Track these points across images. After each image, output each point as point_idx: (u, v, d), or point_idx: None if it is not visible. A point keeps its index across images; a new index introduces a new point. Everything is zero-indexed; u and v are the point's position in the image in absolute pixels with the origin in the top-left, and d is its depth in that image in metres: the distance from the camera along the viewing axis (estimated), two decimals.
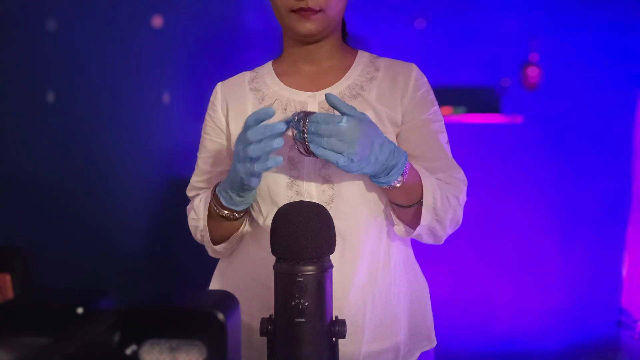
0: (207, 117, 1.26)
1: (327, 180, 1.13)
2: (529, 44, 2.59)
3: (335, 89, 1.17)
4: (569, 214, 2.64)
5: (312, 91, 1.18)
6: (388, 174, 1.02)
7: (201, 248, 1.25)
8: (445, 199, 1.11)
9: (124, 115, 2.46)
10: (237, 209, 1.12)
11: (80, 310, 0.60)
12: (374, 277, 1.17)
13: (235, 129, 1.20)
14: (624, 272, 2.67)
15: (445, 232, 1.14)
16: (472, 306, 2.66)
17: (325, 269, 0.83)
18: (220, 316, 0.62)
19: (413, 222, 1.12)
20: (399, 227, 1.15)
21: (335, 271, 0.87)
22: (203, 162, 1.27)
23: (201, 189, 1.27)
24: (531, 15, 2.59)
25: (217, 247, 1.20)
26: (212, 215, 1.16)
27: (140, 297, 0.64)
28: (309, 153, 0.99)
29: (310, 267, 0.81)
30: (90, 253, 2.45)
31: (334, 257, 0.87)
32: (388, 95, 1.17)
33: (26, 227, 2.46)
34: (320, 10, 1.10)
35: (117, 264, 2.46)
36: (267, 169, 1.00)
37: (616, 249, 2.67)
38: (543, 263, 2.65)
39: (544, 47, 2.59)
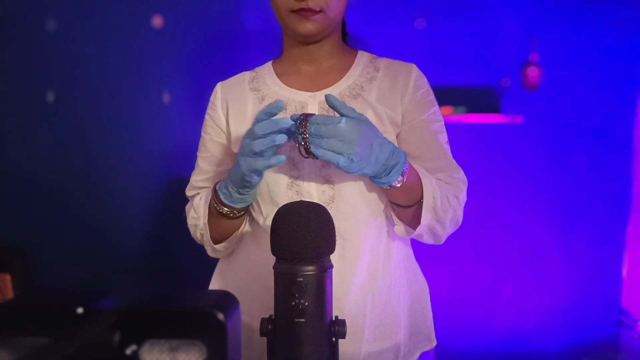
0: (207, 116, 1.26)
1: (327, 180, 1.13)
2: (529, 44, 2.59)
3: (336, 89, 1.18)
4: (569, 213, 2.64)
5: (312, 91, 1.18)
6: (388, 174, 1.03)
7: (201, 248, 1.25)
8: (445, 198, 1.11)
9: (124, 115, 2.46)
10: (236, 206, 1.13)
11: (80, 310, 0.60)
12: (373, 277, 1.17)
13: (235, 129, 1.20)
14: (624, 272, 2.67)
15: (445, 231, 1.14)
16: (472, 306, 2.66)
17: (325, 269, 0.83)
18: (220, 316, 0.62)
19: (413, 222, 1.12)
20: (399, 227, 1.15)
21: (335, 271, 0.87)
22: (203, 161, 1.27)
23: (201, 188, 1.27)
24: (531, 15, 2.59)
25: (217, 247, 1.20)
26: (212, 213, 1.16)
27: (140, 297, 0.64)
28: (309, 155, 0.99)
29: (310, 267, 0.81)
30: (90, 253, 2.46)
31: (334, 257, 0.87)
32: (388, 96, 1.17)
33: (26, 227, 2.46)
34: (320, 11, 1.10)
35: (117, 264, 2.46)
36: (270, 166, 1.01)
37: (616, 249, 2.67)
38: (543, 263, 2.65)
39: (544, 47, 2.59)
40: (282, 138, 0.98)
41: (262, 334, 0.84)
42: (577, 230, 2.64)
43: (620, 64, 2.59)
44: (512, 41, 2.59)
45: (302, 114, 1.00)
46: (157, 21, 2.45)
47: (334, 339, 0.84)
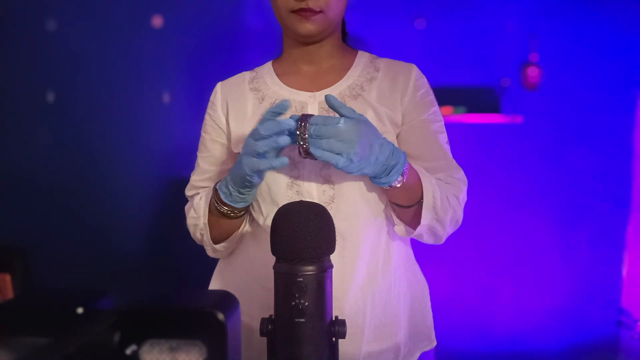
0: (207, 116, 1.26)
1: (327, 180, 1.13)
2: (529, 44, 2.59)
3: (336, 89, 1.18)
4: (569, 213, 2.64)
5: (312, 91, 1.18)
6: (388, 174, 1.03)
7: (201, 248, 1.25)
8: (445, 198, 1.11)
9: (124, 115, 2.46)
10: (236, 206, 1.13)
11: (80, 310, 0.60)
12: (373, 277, 1.17)
13: (235, 129, 1.20)
14: (624, 272, 2.67)
15: (445, 231, 1.14)
16: (472, 306, 2.66)
17: (325, 269, 0.83)
18: (220, 316, 0.62)
19: (413, 222, 1.12)
20: (400, 227, 1.15)
21: (335, 271, 0.87)
22: (203, 161, 1.27)
23: (201, 188, 1.27)
24: (531, 15, 2.59)
25: (217, 246, 1.20)
26: (212, 212, 1.16)
27: (140, 297, 0.64)
28: (308, 155, 0.99)
29: (310, 267, 0.81)
30: (90, 253, 2.46)
31: (334, 257, 0.87)
32: (388, 96, 1.17)
33: (26, 227, 2.46)
34: (320, 11, 1.10)
35: (117, 264, 2.46)
36: (273, 168, 1.01)
37: (616, 249, 2.67)
38: (543, 263, 2.66)
39: (544, 47, 2.59)
40: (285, 140, 0.98)
41: (262, 334, 0.84)
42: (577, 230, 2.64)
43: (620, 64, 2.59)
44: (512, 41, 2.59)
45: (302, 115, 1.00)
46: (157, 21, 2.45)
47: (334, 339, 0.84)
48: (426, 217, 1.09)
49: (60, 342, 0.58)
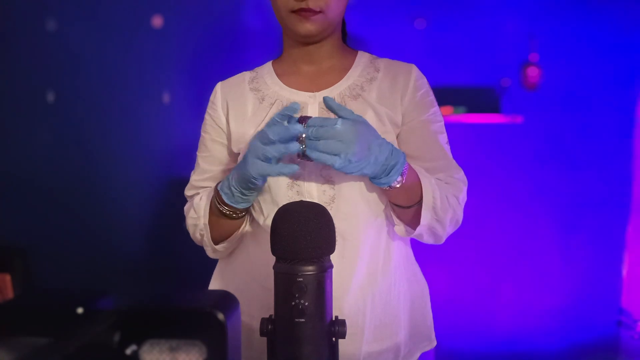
0: (207, 116, 1.26)
1: (328, 180, 1.13)
2: (529, 44, 2.59)
3: (336, 90, 1.18)
4: (569, 214, 2.64)
5: (312, 91, 1.18)
6: (388, 174, 1.03)
7: (201, 248, 1.25)
8: (444, 198, 1.11)
9: (124, 115, 2.46)
10: (238, 207, 1.13)
11: (80, 310, 0.60)
12: (373, 277, 1.17)
13: (236, 129, 1.20)
14: (624, 272, 2.67)
15: (445, 231, 1.14)
16: (472, 306, 2.66)
17: (325, 269, 0.83)
18: (220, 316, 0.62)
19: (413, 222, 1.12)
20: (400, 227, 1.15)
21: (335, 271, 0.87)
22: (203, 161, 1.27)
23: (201, 188, 1.27)
24: (531, 15, 2.59)
25: (217, 247, 1.20)
26: (212, 212, 1.16)
27: (140, 297, 0.64)
28: (305, 157, 1.00)
29: (310, 267, 0.81)
30: (90, 253, 2.46)
31: (333, 257, 0.87)
32: (388, 96, 1.17)
33: (26, 227, 2.47)
34: (320, 12, 1.10)
35: (117, 264, 2.47)
36: (282, 174, 1.02)
37: (616, 249, 2.67)
38: (543, 263, 2.66)
39: (544, 47, 2.59)
40: (295, 146, 0.99)
41: (262, 334, 0.84)
42: (577, 230, 2.64)
43: (620, 64, 2.59)
44: (512, 41, 2.59)
45: (300, 117, 1.00)
46: (157, 21, 2.45)
47: (334, 339, 0.84)
48: (426, 217, 1.09)
49: (60, 342, 0.58)
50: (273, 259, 0.85)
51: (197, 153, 1.29)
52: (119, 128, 2.46)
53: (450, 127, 1.25)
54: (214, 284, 1.30)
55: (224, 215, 1.15)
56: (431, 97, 1.20)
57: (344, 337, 0.83)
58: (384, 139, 1.03)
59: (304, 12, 1.10)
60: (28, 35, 2.42)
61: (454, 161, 1.20)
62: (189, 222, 1.21)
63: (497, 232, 2.65)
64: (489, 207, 2.61)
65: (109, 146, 2.46)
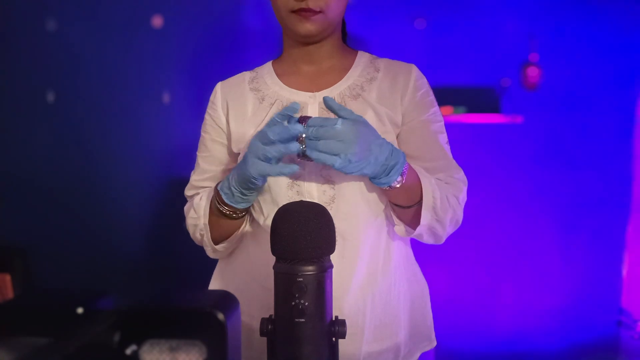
0: (207, 116, 1.26)
1: (328, 180, 1.13)
2: (529, 44, 2.59)
3: (336, 90, 1.18)
4: (569, 214, 2.64)
5: (312, 91, 1.18)
6: (388, 174, 1.03)
7: (201, 248, 1.25)
8: (444, 198, 1.11)
9: (124, 115, 2.46)
10: (238, 207, 1.13)
11: (80, 310, 0.60)
12: (373, 277, 1.17)
13: (236, 129, 1.20)
14: (624, 272, 2.67)
15: (445, 231, 1.14)
16: (472, 306, 2.66)
17: (325, 269, 0.83)
18: (220, 316, 0.62)
19: (413, 222, 1.12)
20: (400, 227, 1.15)
21: (335, 271, 0.87)
22: (203, 161, 1.27)
23: (201, 188, 1.27)
24: (531, 15, 2.59)
25: (217, 247, 1.20)
26: (212, 212, 1.16)
27: (140, 297, 0.64)
28: (305, 157, 1.00)
29: (310, 267, 0.81)
30: (90, 253, 2.46)
31: (333, 257, 0.87)
32: (388, 96, 1.17)
33: (26, 227, 2.47)
34: (320, 12, 1.10)
35: (117, 264, 2.47)
36: (283, 174, 1.02)
37: (616, 249, 2.67)
38: (543, 263, 2.65)
39: (544, 47, 2.59)
40: (295, 147, 0.99)
41: (262, 334, 0.84)
42: (577, 230, 2.64)
43: (620, 64, 2.59)
44: (512, 41, 2.59)
45: (300, 117, 1.00)
46: (157, 21, 2.45)
47: (334, 339, 0.84)
48: (426, 217, 1.09)
49: (60, 342, 0.58)
50: (273, 259, 0.85)
51: (197, 153, 1.29)
52: (119, 128, 2.46)
53: (450, 127, 1.25)
54: (214, 284, 1.30)
55: (224, 215, 1.15)
56: (431, 97, 1.20)
57: (344, 337, 0.83)
58: (384, 139, 1.03)
59: (304, 12, 1.10)
60: (28, 35, 2.42)
61: (454, 161, 1.20)
62: (189, 222, 1.21)
63: (497, 232, 2.65)
64: (489, 207, 2.61)
65: (109, 146, 2.46)
